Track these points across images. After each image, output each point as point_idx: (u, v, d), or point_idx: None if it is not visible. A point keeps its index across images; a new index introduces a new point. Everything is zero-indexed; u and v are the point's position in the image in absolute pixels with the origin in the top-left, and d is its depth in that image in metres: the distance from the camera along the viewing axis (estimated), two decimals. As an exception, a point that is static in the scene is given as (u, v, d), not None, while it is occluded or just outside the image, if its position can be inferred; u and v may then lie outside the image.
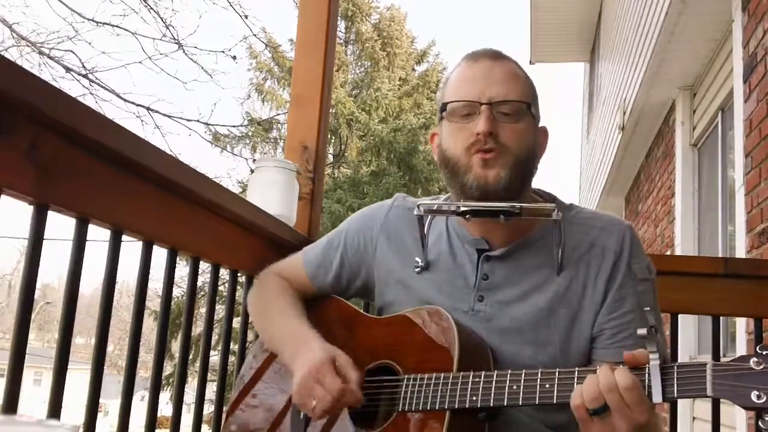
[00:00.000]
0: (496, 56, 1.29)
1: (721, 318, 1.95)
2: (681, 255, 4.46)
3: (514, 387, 1.10)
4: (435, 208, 1.28)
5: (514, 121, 1.24)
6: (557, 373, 1.09)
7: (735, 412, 3.02)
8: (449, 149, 1.27)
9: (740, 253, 3.32)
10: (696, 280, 1.89)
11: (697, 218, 4.75)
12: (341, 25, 15.79)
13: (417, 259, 1.34)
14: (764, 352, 0.95)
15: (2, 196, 1.05)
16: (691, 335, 4.40)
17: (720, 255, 4.04)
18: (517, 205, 1.20)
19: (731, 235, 3.92)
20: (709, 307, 1.92)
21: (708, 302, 1.90)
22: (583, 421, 1.05)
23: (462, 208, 1.22)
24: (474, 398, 1.12)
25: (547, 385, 1.08)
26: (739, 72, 3.43)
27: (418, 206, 1.29)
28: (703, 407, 3.91)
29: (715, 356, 1.87)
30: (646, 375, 1.02)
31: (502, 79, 1.26)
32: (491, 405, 1.11)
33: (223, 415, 1.48)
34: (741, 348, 3.13)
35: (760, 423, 0.93)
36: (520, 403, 1.10)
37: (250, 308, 1.54)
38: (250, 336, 1.92)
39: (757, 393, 0.93)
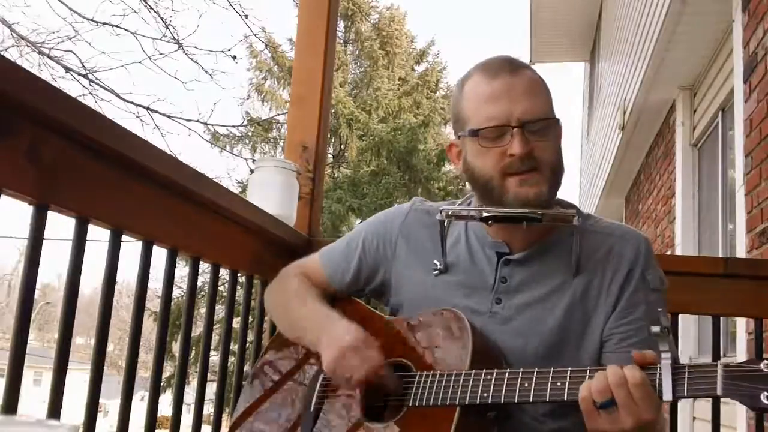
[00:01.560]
0: (513, 69, 1.26)
1: (721, 318, 1.95)
2: (681, 255, 4.46)
3: (526, 384, 1.11)
4: (457, 213, 1.30)
5: (544, 137, 1.25)
6: (569, 372, 1.10)
7: (736, 411, 3.01)
8: (479, 168, 1.26)
9: (740, 253, 3.32)
10: (696, 280, 1.89)
11: (697, 218, 4.75)
12: (340, 24, 15.78)
13: (435, 261, 1.35)
14: None
15: (2, 196, 1.06)
16: (691, 335, 4.40)
17: (720, 255, 4.04)
18: (539, 211, 1.22)
19: (731, 235, 3.92)
20: (709, 307, 1.92)
21: (708, 302, 1.90)
22: (589, 413, 1.06)
23: (485, 214, 1.24)
24: (485, 394, 1.13)
25: (559, 383, 1.10)
26: (740, 72, 3.43)
27: (441, 211, 1.30)
28: (704, 407, 3.91)
29: (716, 356, 1.87)
30: (657, 373, 1.04)
31: (525, 93, 1.24)
32: (502, 401, 1.12)
33: (224, 418, 1.48)
34: (741, 348, 3.13)
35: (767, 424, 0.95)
36: (531, 401, 1.11)
37: (269, 298, 1.56)
38: (250, 336, 1.92)
39: (767, 394, 0.95)
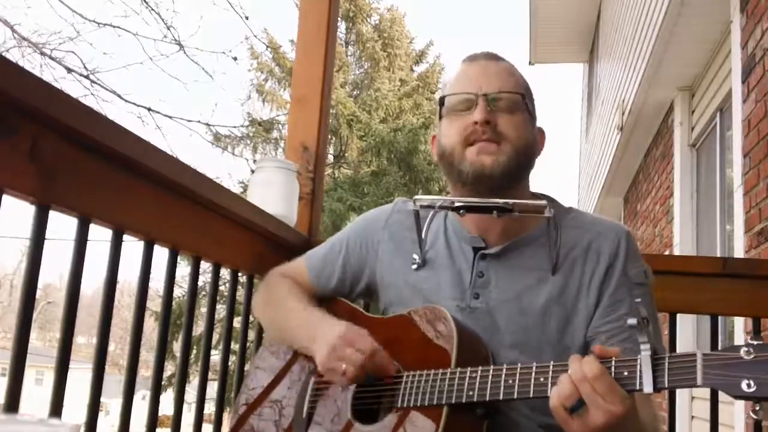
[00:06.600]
0: (492, 57, 1.35)
1: (719, 317, 1.95)
2: (680, 255, 4.46)
3: (510, 381, 1.11)
4: (430, 203, 1.31)
5: (510, 113, 1.28)
6: (551, 367, 1.09)
7: (734, 411, 3.02)
8: (446, 141, 1.31)
9: (739, 252, 3.33)
10: (694, 279, 1.89)
11: (695, 218, 4.76)
12: (341, 26, 15.78)
13: (414, 256, 1.36)
14: (755, 342, 0.94)
15: (4, 196, 1.06)
16: (689, 335, 4.40)
17: (718, 255, 4.05)
18: (510, 201, 1.22)
19: (729, 235, 3.93)
20: (707, 306, 1.92)
21: (706, 302, 1.90)
22: (564, 421, 1.05)
23: (456, 204, 1.25)
24: (470, 393, 1.13)
25: (542, 379, 1.08)
26: (738, 72, 3.44)
27: (414, 201, 1.31)
28: (702, 406, 3.92)
29: (713, 356, 1.87)
30: (638, 366, 1.02)
31: (498, 75, 1.31)
32: (487, 399, 1.12)
33: (225, 417, 1.49)
34: (740, 347, 3.13)
35: (751, 412, 0.94)
36: (515, 397, 1.10)
37: (257, 307, 1.56)
38: (251, 335, 1.93)
39: (747, 382, 0.92)
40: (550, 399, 1.05)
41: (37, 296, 1.16)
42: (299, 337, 1.36)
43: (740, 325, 3.18)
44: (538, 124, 1.37)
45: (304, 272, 1.50)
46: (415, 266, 1.35)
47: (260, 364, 1.48)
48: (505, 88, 1.28)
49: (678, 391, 2.24)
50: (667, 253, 5.08)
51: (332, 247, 1.48)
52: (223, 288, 3.52)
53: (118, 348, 27.90)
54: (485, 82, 1.28)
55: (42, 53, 7.35)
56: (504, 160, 1.25)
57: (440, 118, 1.35)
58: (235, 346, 1.93)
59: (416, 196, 1.33)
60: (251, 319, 1.74)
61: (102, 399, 1.31)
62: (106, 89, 7.58)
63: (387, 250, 1.41)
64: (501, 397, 1.11)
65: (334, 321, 1.31)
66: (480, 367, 1.14)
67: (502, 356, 1.23)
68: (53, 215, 1.16)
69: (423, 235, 1.35)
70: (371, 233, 1.43)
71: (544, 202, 1.25)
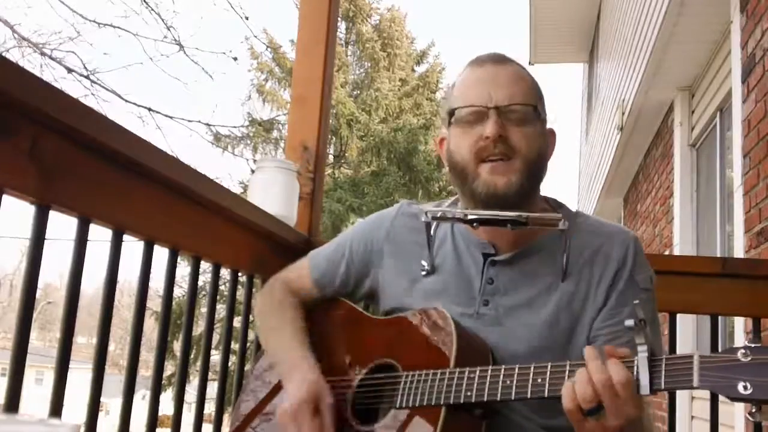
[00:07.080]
0: (500, 60, 1.30)
1: (719, 318, 1.95)
2: (680, 255, 4.46)
3: (507, 382, 1.10)
4: (442, 215, 1.29)
5: (522, 125, 1.25)
6: (549, 368, 1.09)
7: (734, 411, 3.02)
8: (457, 154, 1.28)
9: (738, 252, 3.33)
10: (694, 279, 1.90)
11: (695, 218, 4.76)
12: (342, 26, 15.77)
13: (423, 262, 1.34)
14: (752, 345, 0.94)
15: (4, 196, 1.06)
16: (689, 335, 4.41)
17: (718, 255, 4.05)
18: (524, 214, 1.21)
19: (729, 235, 3.93)
20: (707, 306, 1.92)
21: (706, 302, 1.91)
22: (577, 422, 1.04)
23: (469, 217, 1.24)
24: (468, 393, 1.12)
25: (539, 380, 1.08)
26: (738, 73, 3.44)
27: (426, 213, 1.30)
28: (702, 406, 3.92)
29: (713, 356, 1.87)
30: (635, 367, 1.01)
31: (508, 82, 1.27)
32: (485, 400, 1.12)
33: (225, 417, 1.49)
34: (739, 348, 3.13)
35: (748, 415, 0.94)
36: (513, 398, 1.10)
37: (256, 316, 1.55)
38: (251, 335, 1.93)
39: (744, 384, 0.92)
40: (567, 400, 1.03)
41: (37, 296, 1.16)
42: (278, 367, 1.37)
43: (740, 325, 3.18)
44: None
45: (307, 272, 1.49)
46: (424, 273, 1.34)
47: (262, 363, 1.48)
48: (516, 99, 1.25)
49: (678, 391, 2.24)
50: (667, 253, 5.08)
51: (336, 249, 1.47)
52: (223, 288, 3.52)
53: (118, 348, 27.92)
54: (495, 91, 1.25)
55: (42, 53, 7.36)
56: (516, 179, 1.23)
57: (449, 124, 1.32)
58: (235, 346, 1.93)
59: (427, 209, 1.31)
60: (251, 319, 1.74)
61: (102, 399, 1.31)
62: (106, 89, 7.60)
63: (390, 255, 1.40)
64: (499, 397, 1.11)
65: (304, 377, 1.26)
66: (478, 368, 1.14)
67: (510, 362, 1.21)
68: (53, 215, 1.16)
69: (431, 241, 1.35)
70: (375, 236, 1.42)
71: (559, 215, 1.24)
